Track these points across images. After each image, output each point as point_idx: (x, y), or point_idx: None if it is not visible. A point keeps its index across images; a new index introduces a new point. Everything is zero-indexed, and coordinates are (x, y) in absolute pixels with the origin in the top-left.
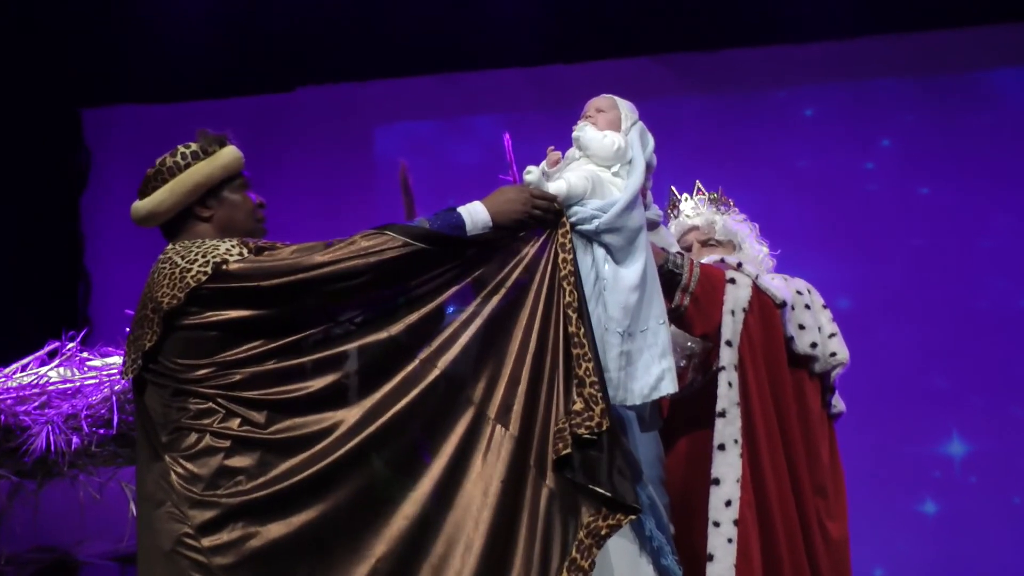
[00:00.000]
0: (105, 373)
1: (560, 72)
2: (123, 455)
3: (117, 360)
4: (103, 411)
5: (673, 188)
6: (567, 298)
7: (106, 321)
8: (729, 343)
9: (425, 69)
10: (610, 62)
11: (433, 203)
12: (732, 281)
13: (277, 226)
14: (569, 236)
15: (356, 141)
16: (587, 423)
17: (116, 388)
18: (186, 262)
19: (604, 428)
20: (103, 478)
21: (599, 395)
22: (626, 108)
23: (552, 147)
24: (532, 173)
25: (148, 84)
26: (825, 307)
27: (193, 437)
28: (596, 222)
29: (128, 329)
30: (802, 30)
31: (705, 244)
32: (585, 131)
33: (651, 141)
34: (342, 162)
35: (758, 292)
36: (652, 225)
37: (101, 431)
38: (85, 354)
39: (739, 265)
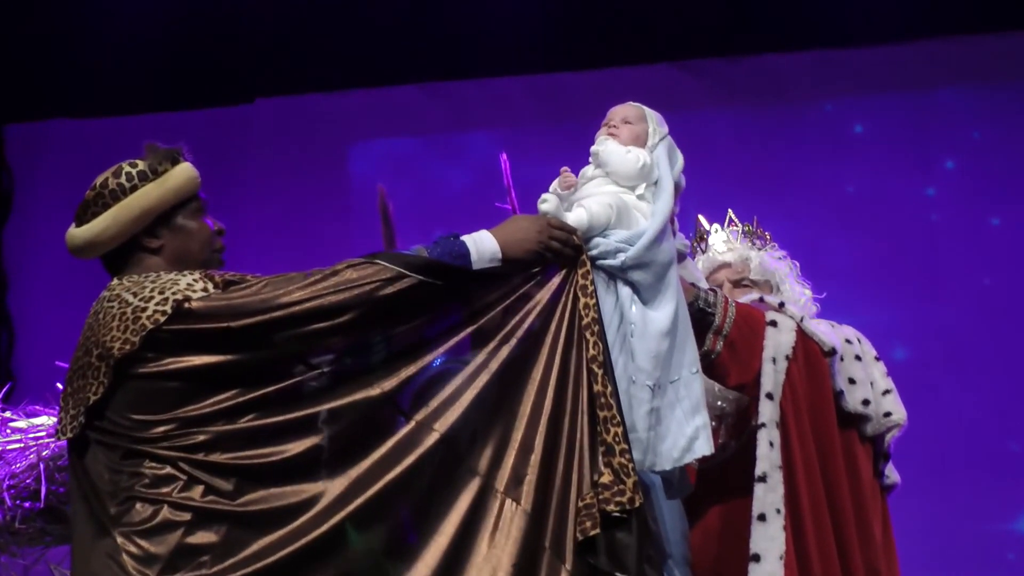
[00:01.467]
0: (31, 436)
1: (566, 81)
2: (53, 532)
3: (46, 421)
4: (29, 481)
5: (701, 218)
6: (591, 351)
7: (32, 375)
8: (770, 396)
9: (407, 77)
10: (625, 69)
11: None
12: (773, 324)
13: (236, 259)
14: (591, 277)
15: (327, 161)
16: (617, 498)
17: (44, 454)
18: (140, 300)
19: (636, 504)
20: (29, 560)
21: (630, 465)
22: (655, 120)
23: (566, 168)
24: (548, 202)
25: (82, 95)
26: (878, 359)
27: (148, 509)
28: (622, 257)
29: (61, 384)
30: (850, 31)
31: (738, 284)
32: (607, 145)
33: (680, 159)
34: (311, 185)
35: (803, 337)
36: (679, 257)
37: (27, 504)
38: (8, 414)
39: (781, 305)
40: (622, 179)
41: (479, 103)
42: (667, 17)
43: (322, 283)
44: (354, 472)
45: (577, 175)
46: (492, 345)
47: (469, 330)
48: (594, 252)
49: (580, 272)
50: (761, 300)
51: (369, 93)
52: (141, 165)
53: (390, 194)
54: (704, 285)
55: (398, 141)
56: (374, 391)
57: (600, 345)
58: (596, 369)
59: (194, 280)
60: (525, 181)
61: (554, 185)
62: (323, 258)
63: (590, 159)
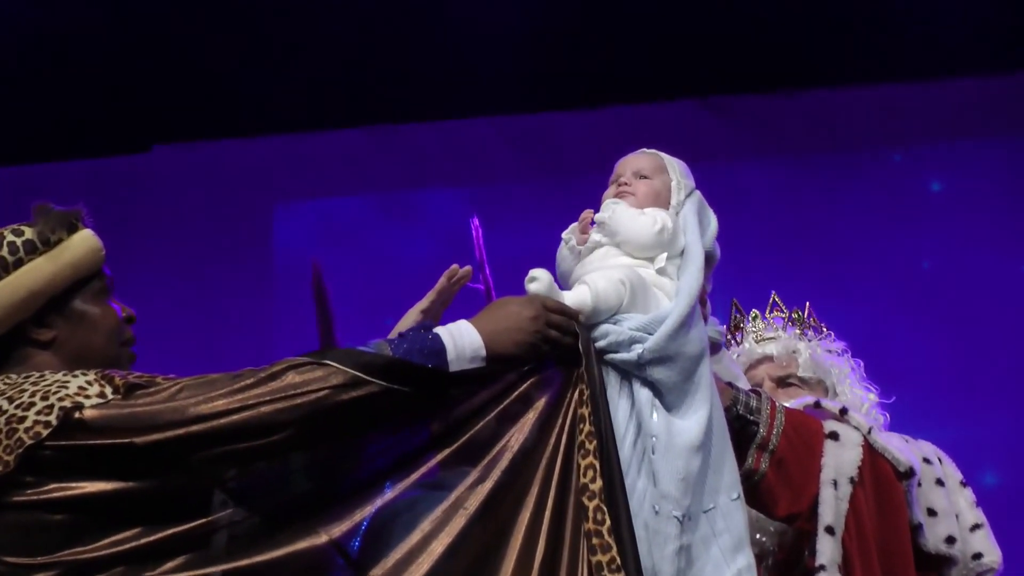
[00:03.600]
0: None
1: (554, 123)
2: None
3: None
4: None
5: (736, 302)
6: (582, 478)
7: None
8: (830, 530)
9: (348, 118)
10: (632, 108)
11: (362, 320)
12: (834, 436)
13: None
14: (588, 378)
15: (245, 224)
16: None
17: None
18: (17, 407)
19: None
20: None
21: None
22: (679, 171)
23: (590, 212)
24: (540, 280)
25: None
26: (965, 485)
27: None
28: (638, 349)
29: None
30: (925, 61)
31: (783, 383)
32: (616, 211)
33: (714, 221)
34: (225, 256)
35: (873, 455)
36: (712, 349)
37: None
38: None
39: (843, 412)
40: (636, 249)
41: (443, 151)
42: (688, 41)
43: (255, 389)
44: None
45: (585, 244)
46: (471, 476)
47: (442, 454)
48: (602, 343)
49: (584, 368)
50: (818, 405)
51: (299, 139)
52: (28, 233)
53: (326, 269)
54: (744, 384)
55: (337, 200)
56: (319, 538)
57: (595, 469)
58: (586, 502)
59: (88, 382)
60: (503, 252)
61: (569, 233)
62: (240, 348)
63: (593, 228)
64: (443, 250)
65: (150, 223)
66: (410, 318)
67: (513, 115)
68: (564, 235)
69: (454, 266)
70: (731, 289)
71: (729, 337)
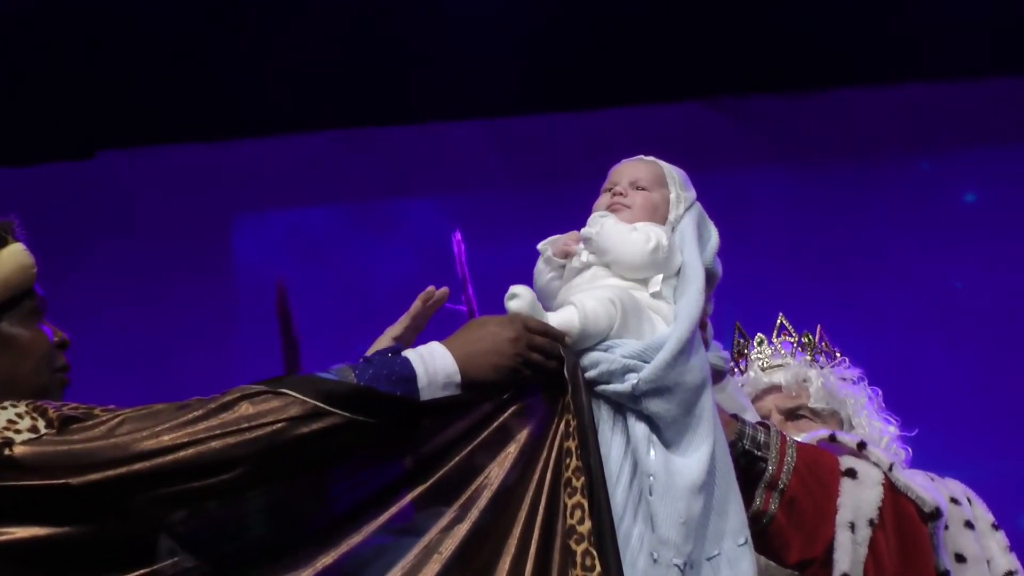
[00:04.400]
0: None
1: (546, 126)
2: None
3: None
4: None
5: (739, 325)
6: (568, 520)
7: None
8: None
9: (319, 120)
10: (633, 109)
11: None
12: (851, 474)
13: (73, 376)
14: (584, 402)
15: (201, 237)
16: None
17: None
18: None
19: None
20: None
21: None
22: (679, 182)
23: (578, 238)
24: (521, 297)
25: None
26: (997, 528)
27: None
28: (633, 379)
29: None
30: (957, 56)
31: (792, 415)
32: (605, 227)
33: (714, 236)
34: (180, 272)
35: (894, 494)
36: (715, 377)
37: None
38: None
39: (862, 446)
40: (628, 269)
41: (422, 157)
42: (692, 35)
43: (204, 422)
44: None
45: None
46: (446, 516)
47: (414, 492)
48: (593, 373)
49: (570, 397)
50: (833, 439)
51: (262, 143)
52: None
53: (292, 287)
54: (752, 416)
55: (304, 211)
56: None
57: (583, 509)
58: (574, 546)
59: (18, 415)
60: (489, 268)
61: (545, 244)
62: (195, 375)
63: (581, 243)
64: (422, 266)
65: (93, 237)
66: (380, 345)
67: (501, 117)
68: (540, 246)
69: (430, 288)
70: (734, 310)
71: (732, 364)
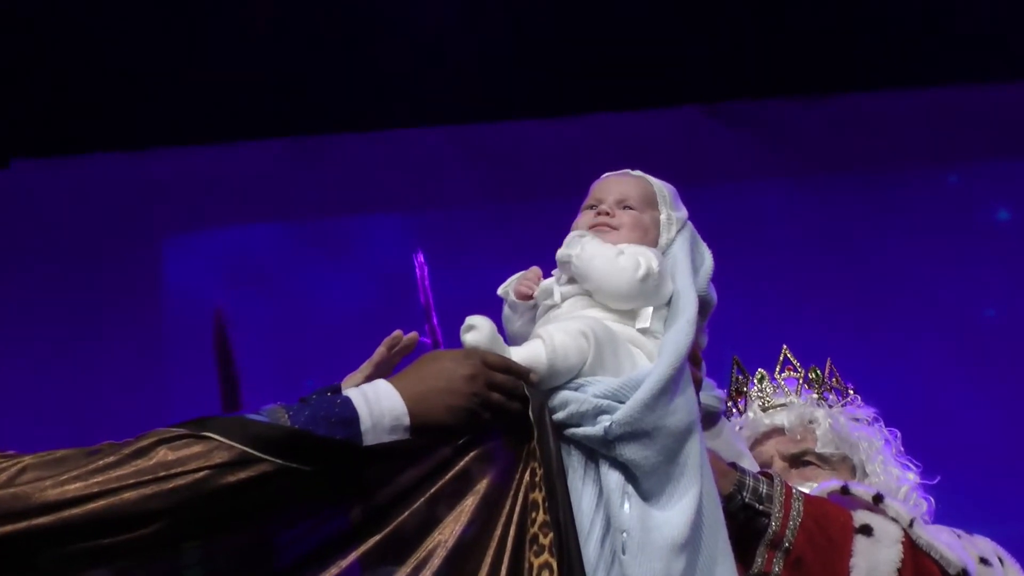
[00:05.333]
0: None
1: (521, 134)
2: None
3: None
4: None
5: (737, 359)
6: None
7: None
8: None
9: (259, 129)
10: (622, 115)
11: (276, 380)
12: (866, 531)
13: None
14: (552, 448)
15: (130, 260)
16: None
17: None
18: None
19: None
20: None
21: None
22: (668, 200)
23: (538, 275)
24: (478, 330)
25: None
26: None
27: None
28: (606, 421)
29: None
30: (986, 59)
31: (797, 462)
32: (586, 248)
33: (708, 259)
34: (104, 298)
35: (915, 553)
36: (709, 419)
37: None
38: None
39: (878, 499)
40: (612, 298)
41: (378, 168)
42: (690, 34)
43: (117, 469)
44: None
45: (540, 291)
46: None
47: (361, 549)
48: (561, 415)
49: (535, 443)
50: (846, 491)
51: (197, 153)
52: None
53: (232, 317)
54: (751, 464)
55: (243, 229)
56: None
57: (551, 569)
58: None
59: None
60: (455, 294)
61: (505, 287)
62: (120, 416)
63: (556, 268)
64: (379, 293)
65: (5, 256)
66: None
67: (469, 124)
68: (500, 291)
69: (396, 332)
70: (732, 343)
71: (730, 404)
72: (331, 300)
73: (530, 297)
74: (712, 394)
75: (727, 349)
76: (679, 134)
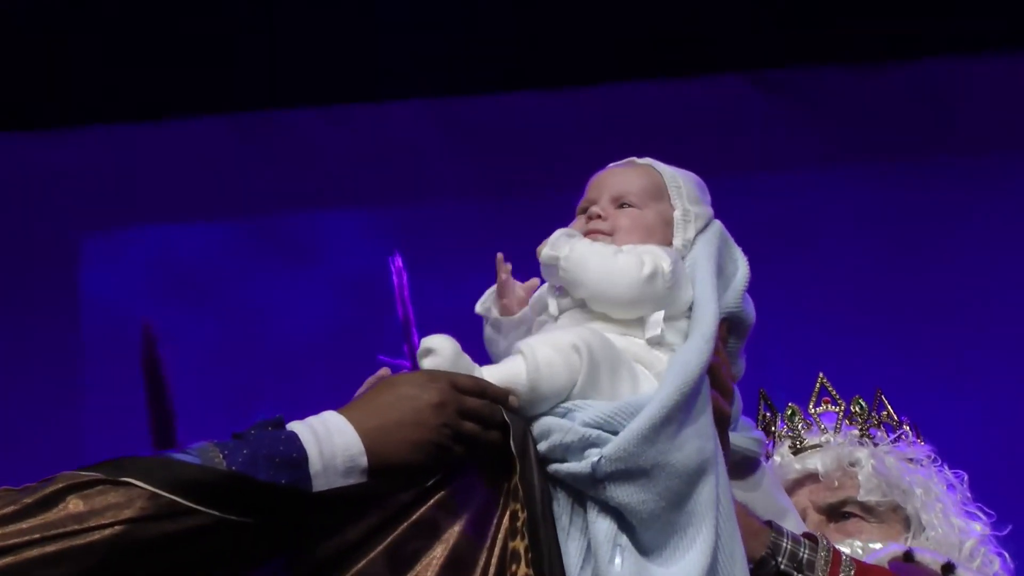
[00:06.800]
0: None
1: (520, 108)
2: None
3: None
4: None
5: (764, 393)
6: None
7: None
8: None
9: (196, 103)
10: (644, 85)
11: (217, 408)
12: None
13: None
14: (537, 487)
15: (39, 262)
16: None
17: None
18: None
19: None
20: None
21: None
22: (686, 192)
23: (501, 257)
24: (437, 352)
25: None
26: None
27: None
28: (595, 456)
29: None
30: None
31: (836, 515)
32: (576, 248)
33: (742, 266)
34: (11, 308)
35: None
36: (744, 467)
37: None
38: None
39: (949, 570)
40: (614, 305)
41: (343, 151)
42: None
43: (17, 522)
44: None
45: (534, 299)
46: None
47: None
48: (543, 446)
49: (516, 479)
50: (908, 557)
51: (123, 133)
52: None
53: (165, 331)
54: (795, 524)
55: (179, 228)
56: None
57: None
58: None
59: None
60: (442, 304)
61: (485, 303)
62: (30, 446)
63: (541, 272)
64: (346, 305)
65: None
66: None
67: (456, 96)
68: (478, 309)
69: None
70: (758, 370)
71: (767, 448)
72: (286, 313)
73: (512, 313)
74: (749, 435)
75: (752, 379)
76: (710, 109)
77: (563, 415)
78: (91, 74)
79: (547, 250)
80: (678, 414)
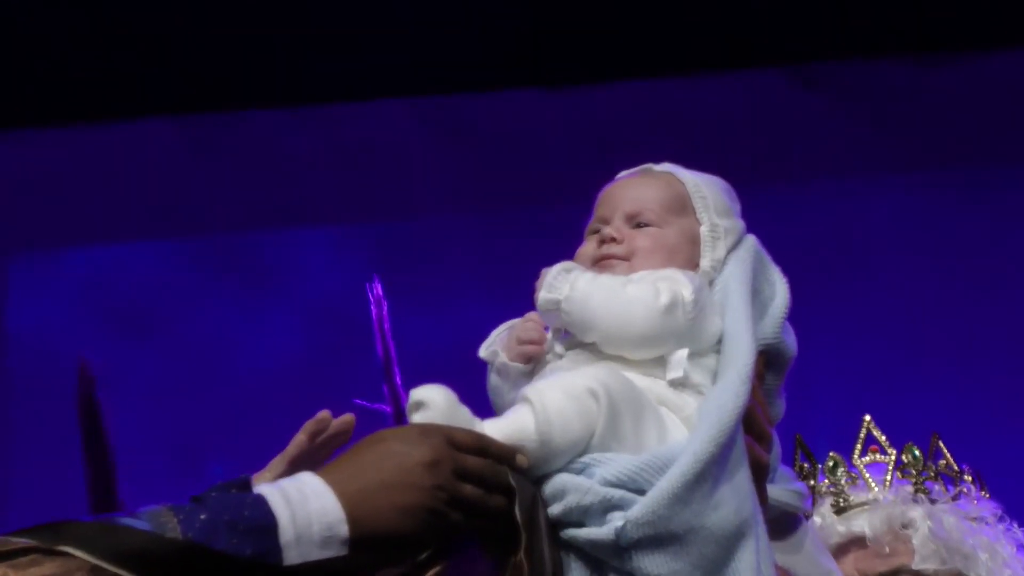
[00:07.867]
0: None
1: (522, 107)
2: None
3: None
4: None
5: (800, 439)
6: None
7: None
8: None
9: (144, 103)
10: (670, 82)
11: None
12: None
13: None
14: (548, 560)
15: None
16: None
17: None
18: None
19: None
20: None
21: None
22: (713, 204)
23: (534, 316)
24: (429, 406)
25: None
26: None
27: None
28: (619, 520)
29: None
30: None
31: None
32: (579, 284)
33: (781, 290)
34: None
35: None
36: (784, 525)
37: None
38: None
39: None
40: (628, 346)
41: (311, 157)
42: None
43: None
44: None
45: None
46: None
47: None
48: (557, 509)
49: (523, 554)
50: None
51: (51, 138)
52: None
53: (103, 368)
54: None
55: (120, 248)
56: None
57: None
58: None
59: None
60: (427, 338)
61: (490, 346)
62: None
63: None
64: (314, 338)
65: None
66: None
67: (446, 95)
68: (482, 354)
69: (322, 414)
70: (795, 414)
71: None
72: (245, 348)
73: (532, 359)
74: (789, 488)
75: (787, 423)
76: (743, 107)
77: (580, 471)
78: (9, 67)
79: (543, 293)
80: (714, 468)
